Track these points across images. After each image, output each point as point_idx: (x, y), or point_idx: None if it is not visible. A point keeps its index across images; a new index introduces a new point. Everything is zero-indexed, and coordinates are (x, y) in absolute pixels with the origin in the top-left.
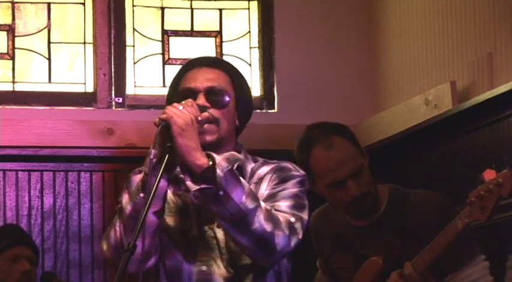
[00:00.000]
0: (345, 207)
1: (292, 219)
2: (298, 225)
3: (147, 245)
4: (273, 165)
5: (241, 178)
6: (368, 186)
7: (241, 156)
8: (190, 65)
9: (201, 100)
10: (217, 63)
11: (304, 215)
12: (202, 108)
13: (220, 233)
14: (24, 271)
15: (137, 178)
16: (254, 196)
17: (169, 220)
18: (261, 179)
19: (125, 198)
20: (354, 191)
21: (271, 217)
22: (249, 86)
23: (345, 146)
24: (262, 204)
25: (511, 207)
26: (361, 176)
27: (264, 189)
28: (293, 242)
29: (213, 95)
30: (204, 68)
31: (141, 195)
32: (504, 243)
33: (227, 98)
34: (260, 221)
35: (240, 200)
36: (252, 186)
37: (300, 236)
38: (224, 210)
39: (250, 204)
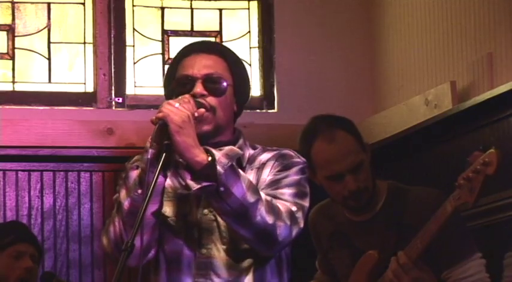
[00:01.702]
0: (341, 200)
1: (294, 209)
2: (299, 214)
3: (147, 240)
4: (274, 152)
5: (241, 172)
6: (366, 182)
7: (239, 150)
8: (187, 51)
9: (199, 88)
10: (214, 48)
11: (306, 203)
12: (198, 104)
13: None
14: (26, 268)
15: (134, 174)
16: (254, 189)
17: (168, 205)
18: (263, 165)
19: (123, 194)
20: (352, 185)
21: (272, 208)
22: (247, 69)
23: (347, 140)
24: (263, 196)
25: (510, 207)
26: (360, 171)
27: (266, 175)
28: (294, 231)
29: (210, 83)
30: (201, 54)
31: (139, 191)
32: (504, 243)
33: (224, 85)
34: (262, 214)
35: (241, 194)
36: (254, 172)
37: (301, 225)
38: (225, 205)
39: (251, 198)
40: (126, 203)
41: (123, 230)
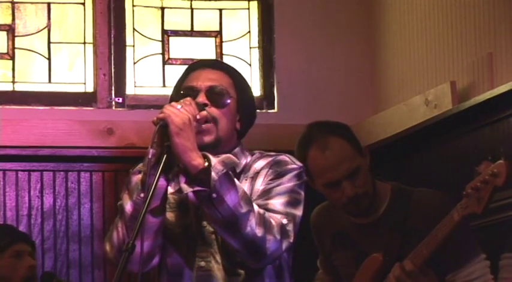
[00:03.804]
0: (341, 207)
1: (285, 221)
2: (290, 227)
3: (150, 245)
4: (269, 159)
5: (236, 181)
6: (365, 187)
7: (236, 159)
8: (193, 67)
9: (201, 98)
10: (220, 65)
11: (298, 212)
12: (200, 107)
13: None
14: (29, 266)
15: (137, 178)
16: (248, 200)
17: (170, 216)
18: (257, 174)
19: (125, 199)
20: (349, 191)
21: (263, 221)
22: (251, 90)
23: (341, 146)
24: (255, 207)
25: (511, 207)
26: (357, 176)
27: (259, 185)
28: (284, 245)
29: (213, 94)
30: (207, 69)
31: (141, 195)
32: (503, 243)
33: (227, 97)
34: (252, 226)
35: (233, 203)
36: (248, 181)
37: (292, 239)
38: (216, 212)
39: (243, 208)
40: (128, 207)
41: (126, 235)
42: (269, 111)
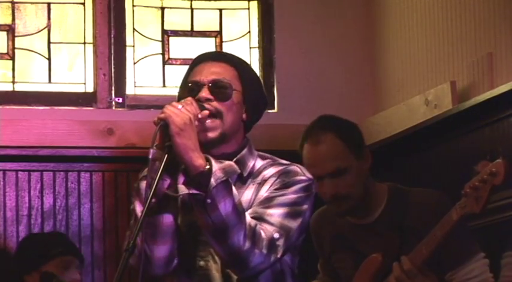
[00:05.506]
0: (327, 203)
1: (276, 236)
2: (281, 242)
3: (169, 249)
4: (280, 168)
5: (234, 190)
6: (349, 189)
7: (237, 169)
8: (198, 60)
9: (205, 93)
10: (223, 57)
11: (295, 223)
12: (202, 106)
13: None
14: (74, 279)
15: (145, 184)
16: (242, 211)
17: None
18: (264, 181)
19: (138, 206)
20: (328, 190)
21: (253, 234)
22: (259, 79)
23: (333, 144)
24: (248, 219)
25: (511, 207)
26: (342, 177)
27: (264, 192)
28: (271, 259)
29: (216, 88)
30: (211, 62)
31: (153, 200)
32: (504, 243)
33: (231, 91)
34: (239, 237)
35: (225, 212)
36: (255, 187)
37: (279, 255)
38: (208, 218)
39: (235, 219)
40: (141, 215)
41: (145, 242)
42: (269, 111)
